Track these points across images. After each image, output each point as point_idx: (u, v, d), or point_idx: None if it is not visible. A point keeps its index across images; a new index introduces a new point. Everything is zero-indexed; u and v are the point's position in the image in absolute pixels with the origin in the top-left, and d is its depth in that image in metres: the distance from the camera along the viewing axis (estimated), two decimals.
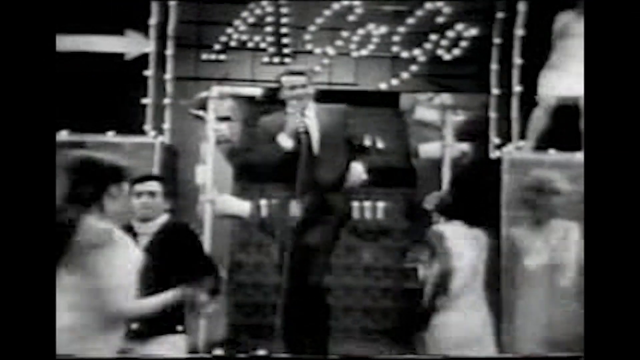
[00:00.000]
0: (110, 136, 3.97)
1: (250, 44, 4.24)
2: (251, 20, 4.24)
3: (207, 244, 3.95)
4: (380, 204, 5.10)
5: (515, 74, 4.26)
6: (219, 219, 4.37)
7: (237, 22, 4.23)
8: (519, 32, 4.14)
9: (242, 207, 4.54)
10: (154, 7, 4.09)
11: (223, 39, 4.23)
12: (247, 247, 4.84)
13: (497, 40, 4.40)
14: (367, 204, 5.14)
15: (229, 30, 4.22)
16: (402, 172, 5.12)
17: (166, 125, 4.19)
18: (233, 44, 4.21)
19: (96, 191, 1.93)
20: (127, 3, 4.00)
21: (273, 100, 3.75)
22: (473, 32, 4.49)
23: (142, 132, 4.07)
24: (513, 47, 4.25)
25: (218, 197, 4.35)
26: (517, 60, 4.18)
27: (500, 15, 4.36)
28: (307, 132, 3.33)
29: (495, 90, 4.41)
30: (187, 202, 4.05)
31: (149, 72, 4.12)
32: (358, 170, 3.42)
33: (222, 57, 4.21)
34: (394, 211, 5.18)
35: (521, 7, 4.13)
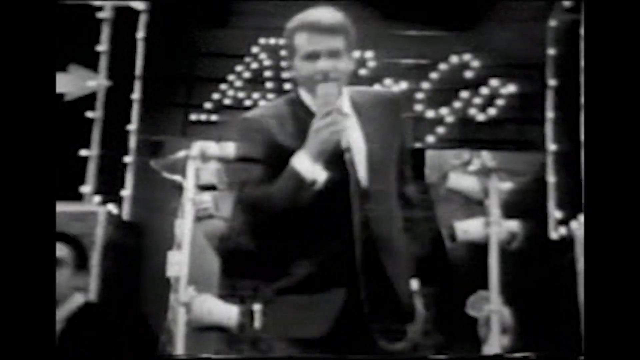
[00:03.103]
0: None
1: (247, 102, 3.85)
2: (248, 75, 3.89)
3: None
4: None
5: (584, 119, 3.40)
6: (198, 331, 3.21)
7: (231, 78, 3.86)
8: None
9: (228, 313, 3.34)
10: (105, 32, 3.34)
11: (215, 96, 3.85)
12: None
13: (552, 82, 3.68)
14: None
15: (223, 86, 3.85)
16: (432, 262, 4.02)
17: (126, 192, 3.27)
18: (227, 102, 3.84)
19: None
20: (75, 32, 3.25)
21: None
22: (511, 88, 3.92)
23: (77, 197, 3.11)
24: (577, 85, 3.45)
25: (196, 299, 3.19)
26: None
27: (552, 51, 3.69)
28: (348, 147, 1.62)
29: (552, 146, 3.63)
30: (152, 304, 3.04)
31: (94, 114, 3.25)
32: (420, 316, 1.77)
33: (214, 117, 3.81)
34: (424, 319, 3.99)
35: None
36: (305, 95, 1.66)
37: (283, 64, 3.84)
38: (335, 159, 1.59)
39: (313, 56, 1.60)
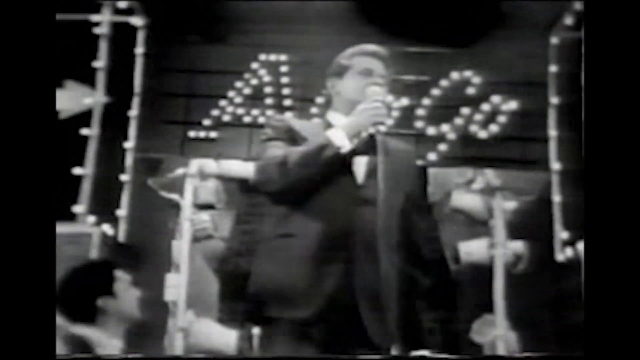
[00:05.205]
0: None
1: (247, 119, 3.77)
2: (247, 91, 3.79)
3: None
4: None
5: None
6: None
7: (231, 94, 3.78)
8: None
9: (226, 338, 3.25)
10: (103, 48, 3.26)
11: (214, 113, 3.74)
12: None
13: (554, 100, 3.63)
14: None
15: (222, 103, 3.75)
16: (435, 286, 3.92)
17: (121, 212, 3.13)
18: (226, 118, 3.72)
19: None
20: (72, 47, 3.14)
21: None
22: (513, 105, 3.85)
23: (69, 217, 3.00)
24: (581, 102, 3.40)
25: (195, 324, 3.11)
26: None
27: (554, 69, 3.65)
28: (373, 144, 1.75)
29: (556, 165, 3.57)
30: (149, 330, 2.76)
31: (89, 131, 3.15)
32: None
33: (212, 134, 3.69)
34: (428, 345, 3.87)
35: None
36: (334, 117, 1.86)
37: (283, 80, 3.76)
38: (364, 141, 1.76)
39: (368, 72, 1.84)
